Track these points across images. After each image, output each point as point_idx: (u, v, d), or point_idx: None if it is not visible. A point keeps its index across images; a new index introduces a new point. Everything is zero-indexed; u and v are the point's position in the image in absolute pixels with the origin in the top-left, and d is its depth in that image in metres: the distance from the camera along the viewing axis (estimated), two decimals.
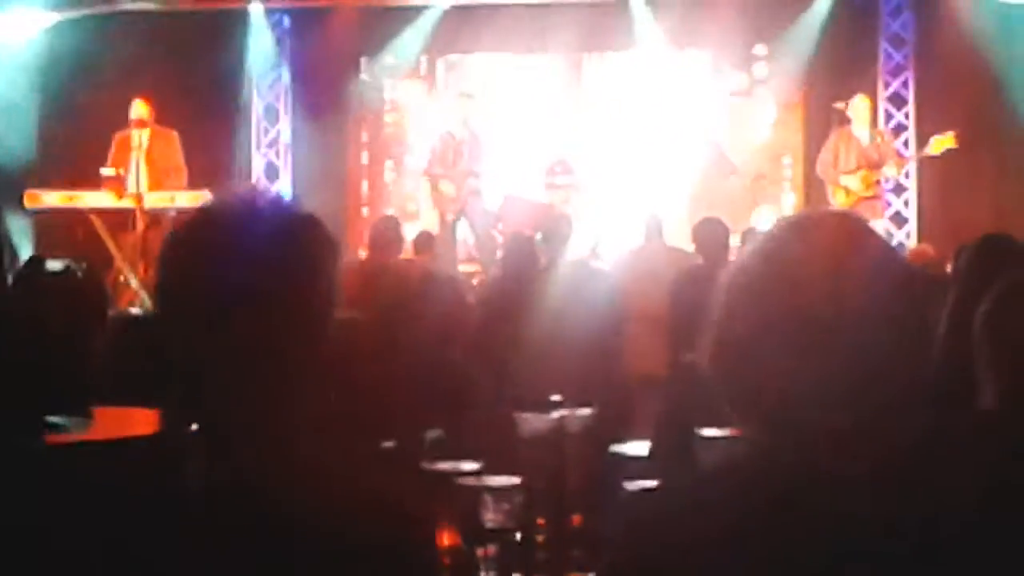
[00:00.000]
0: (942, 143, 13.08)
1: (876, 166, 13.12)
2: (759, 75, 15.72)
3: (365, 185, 16.48)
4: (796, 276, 1.97)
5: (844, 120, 13.41)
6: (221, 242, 2.13)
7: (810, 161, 14.30)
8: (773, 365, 1.95)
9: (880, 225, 13.19)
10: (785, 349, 1.94)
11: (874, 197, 13.19)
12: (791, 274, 1.98)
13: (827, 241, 2.01)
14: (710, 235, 9.35)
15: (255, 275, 2.10)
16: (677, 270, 9.13)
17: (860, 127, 13.30)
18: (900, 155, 13.69)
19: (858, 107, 13.35)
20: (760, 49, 15.44)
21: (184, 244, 2.18)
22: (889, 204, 14.83)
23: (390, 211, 14.77)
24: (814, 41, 14.86)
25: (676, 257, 10.44)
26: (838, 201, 13.17)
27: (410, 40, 15.72)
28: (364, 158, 16.48)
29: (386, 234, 10.33)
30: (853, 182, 13.08)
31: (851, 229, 2.05)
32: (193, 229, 2.18)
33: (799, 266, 1.98)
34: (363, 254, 14.13)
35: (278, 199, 2.23)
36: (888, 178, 13.42)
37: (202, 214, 2.21)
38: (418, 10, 15.37)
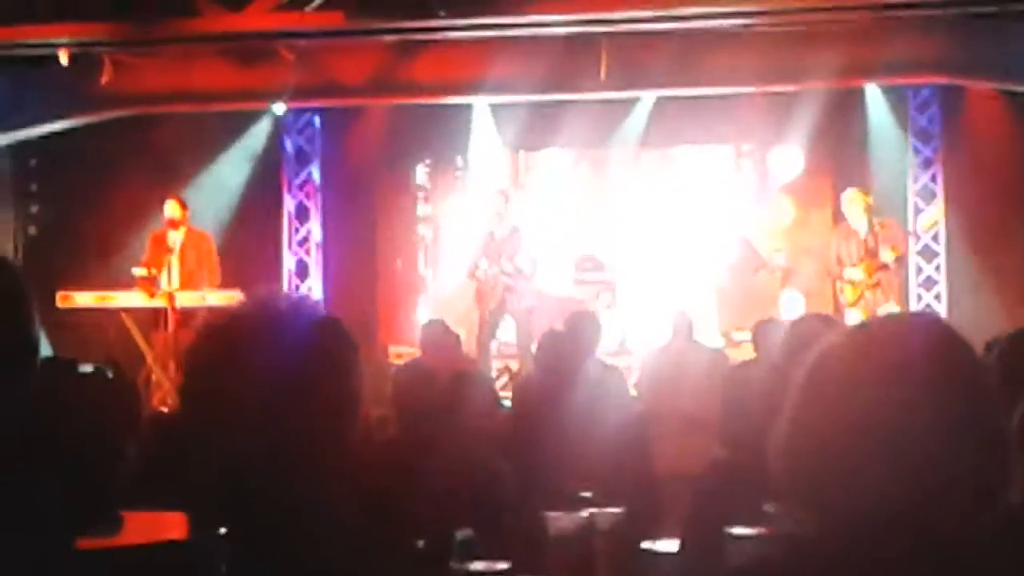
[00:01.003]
0: (931, 220, 13.23)
1: (876, 254, 13.18)
2: (789, 173, 15.76)
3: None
4: (874, 378, 2.00)
5: (843, 217, 13.50)
6: (245, 348, 2.15)
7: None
8: (842, 459, 1.97)
9: (896, 309, 13.15)
10: (858, 447, 1.96)
11: (875, 284, 13.20)
12: (870, 376, 2.00)
13: (908, 346, 2.04)
14: (768, 336, 9.39)
15: (279, 380, 2.11)
16: (715, 368, 9.11)
17: (856, 220, 13.34)
18: (895, 243, 13.66)
19: (848, 201, 13.42)
20: (790, 147, 15.44)
21: (209, 350, 2.20)
22: (920, 297, 14.82)
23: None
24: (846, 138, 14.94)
25: (705, 356, 10.42)
26: (846, 297, 13.24)
27: (445, 138, 15.87)
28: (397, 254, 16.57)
29: (436, 336, 10.33)
30: (856, 273, 13.15)
31: (934, 334, 2.07)
32: (218, 335, 2.20)
33: (878, 369, 2.01)
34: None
35: (300, 302, 2.25)
36: (888, 264, 13.40)
37: (227, 320, 2.23)
38: (448, 108, 15.46)
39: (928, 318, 2.17)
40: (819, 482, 2.02)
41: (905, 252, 13.91)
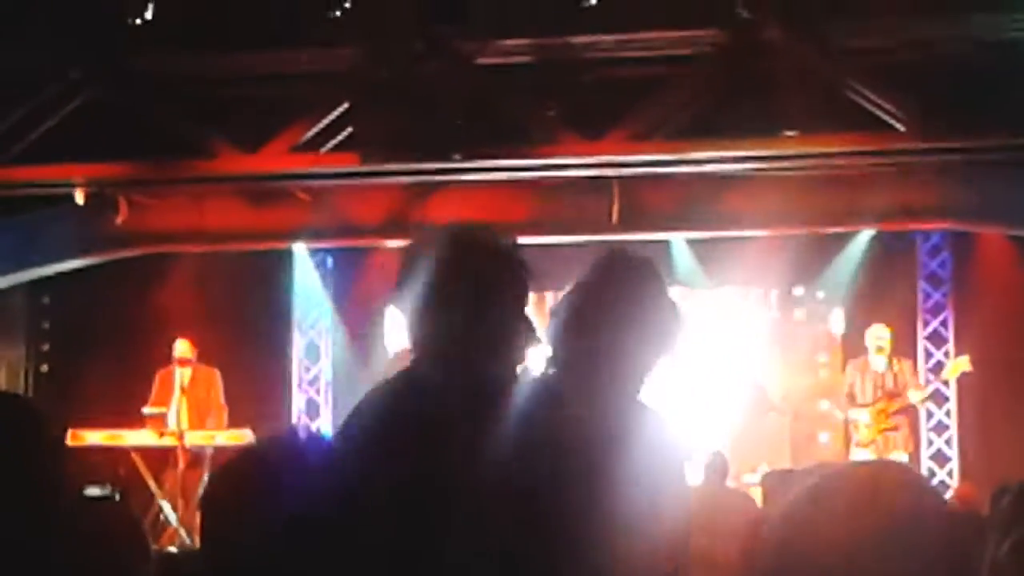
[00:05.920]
0: (958, 367, 13.21)
1: (894, 396, 13.09)
2: (799, 315, 15.75)
3: None
4: (844, 531, 1.99)
5: (862, 351, 13.47)
6: (265, 486, 2.15)
7: None
8: None
9: (904, 457, 13.00)
10: None
11: (894, 428, 13.11)
12: (840, 529, 1.99)
13: (874, 496, 2.02)
14: (777, 486, 9.36)
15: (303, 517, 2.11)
16: (743, 518, 9.04)
17: (875, 356, 13.31)
18: (919, 383, 13.66)
19: (872, 336, 13.37)
20: (799, 290, 15.49)
21: (228, 489, 2.19)
22: (931, 442, 14.74)
23: None
24: (851, 282, 14.91)
25: (737, 502, 10.37)
26: (860, 436, 13.17)
27: None
28: None
29: None
30: (864, 417, 13.08)
31: (889, 484, 2.06)
32: (236, 475, 2.20)
33: (847, 520, 2.00)
34: None
35: (314, 439, 2.26)
36: (912, 405, 13.36)
37: (243, 460, 2.23)
38: None
39: (898, 467, 2.16)
40: None
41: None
